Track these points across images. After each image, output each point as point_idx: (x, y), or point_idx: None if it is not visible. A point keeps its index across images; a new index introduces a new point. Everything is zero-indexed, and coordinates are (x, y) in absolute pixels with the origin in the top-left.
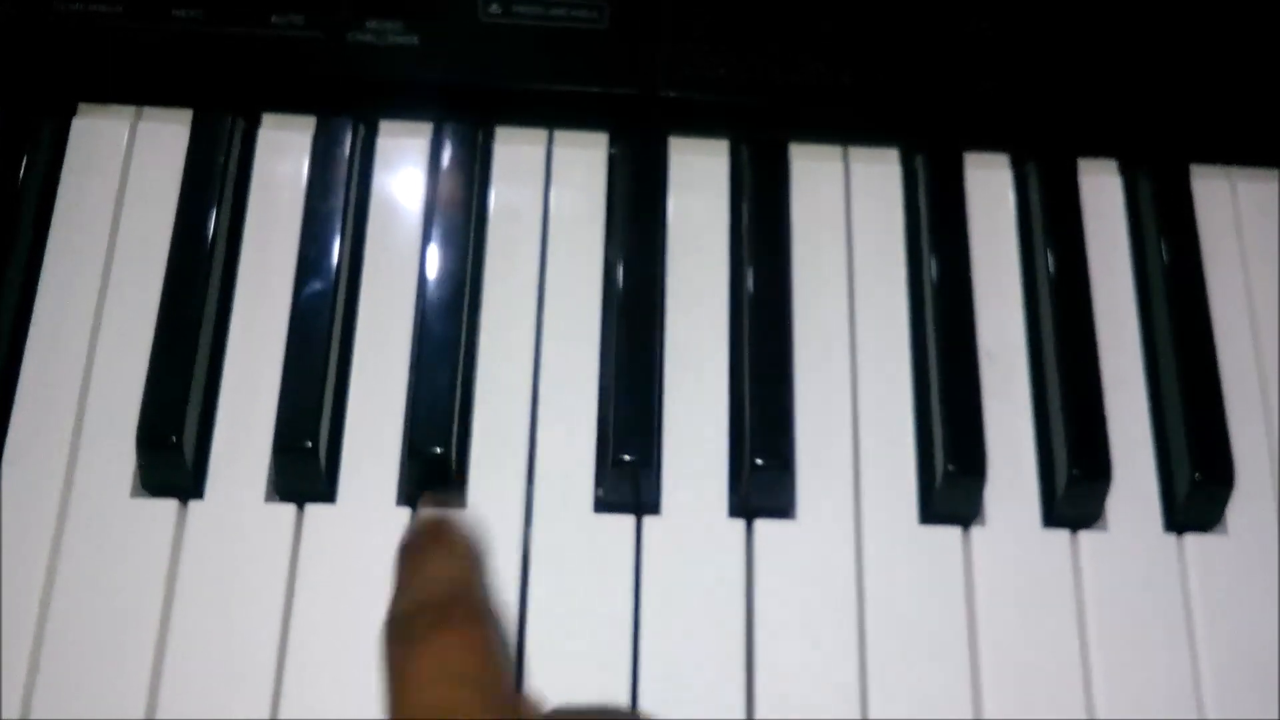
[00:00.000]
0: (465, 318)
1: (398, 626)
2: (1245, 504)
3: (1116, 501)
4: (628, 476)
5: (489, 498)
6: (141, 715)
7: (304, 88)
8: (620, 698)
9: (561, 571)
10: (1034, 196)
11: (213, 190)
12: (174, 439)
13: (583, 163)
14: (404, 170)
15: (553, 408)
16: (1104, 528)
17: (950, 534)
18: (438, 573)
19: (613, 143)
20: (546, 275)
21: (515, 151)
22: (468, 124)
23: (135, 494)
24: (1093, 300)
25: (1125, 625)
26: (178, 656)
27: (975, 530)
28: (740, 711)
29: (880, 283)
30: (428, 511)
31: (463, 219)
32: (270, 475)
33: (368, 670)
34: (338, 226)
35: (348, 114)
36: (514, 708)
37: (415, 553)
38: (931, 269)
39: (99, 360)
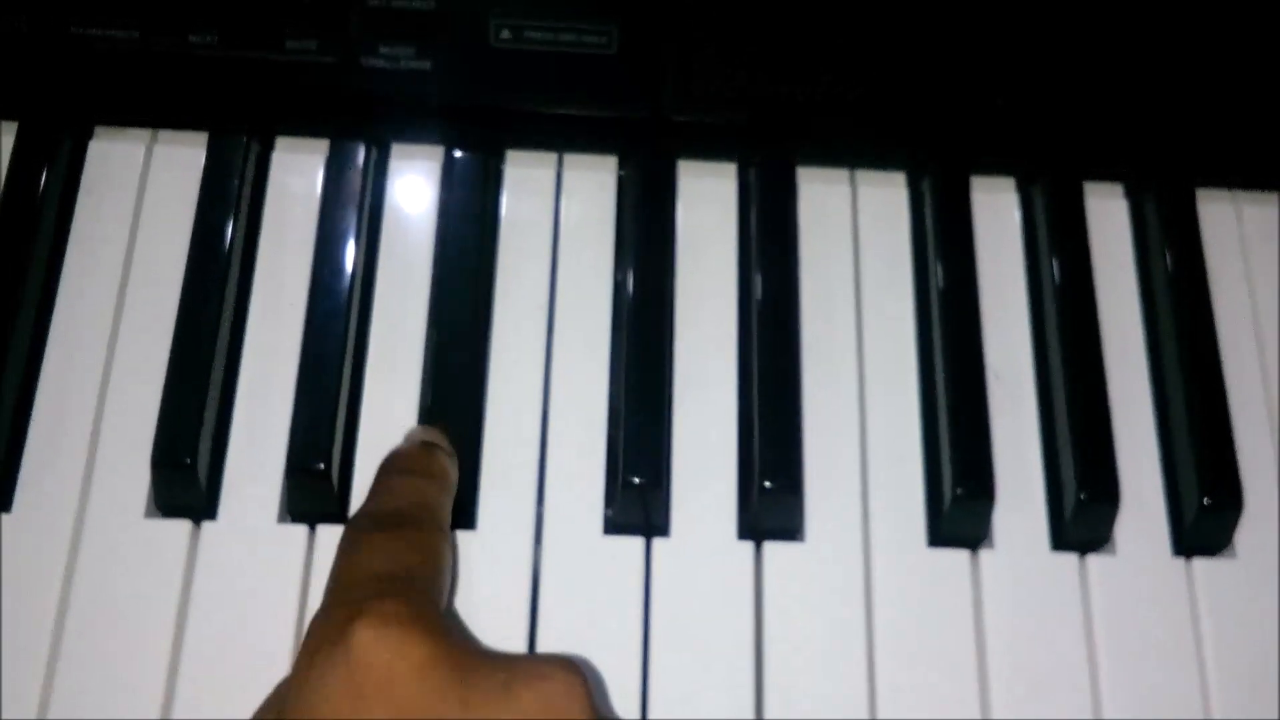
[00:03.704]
0: (477, 340)
1: (354, 524)
2: (1254, 527)
3: (1125, 524)
4: (637, 499)
5: (499, 518)
6: None
7: (318, 111)
8: (630, 718)
9: (571, 593)
10: (1040, 219)
11: (227, 212)
12: (188, 460)
13: (592, 185)
14: (416, 193)
15: (562, 429)
16: (1112, 551)
17: (958, 557)
18: (405, 488)
19: (622, 165)
20: (556, 297)
21: (525, 174)
22: (479, 147)
23: (149, 514)
24: (1099, 323)
25: (1134, 649)
26: (191, 676)
27: (983, 553)
28: None
29: (887, 304)
30: (416, 432)
31: (474, 241)
32: (283, 496)
33: None
34: (350, 249)
35: (360, 137)
36: (439, 611)
37: (391, 469)
38: (938, 290)
39: (114, 381)
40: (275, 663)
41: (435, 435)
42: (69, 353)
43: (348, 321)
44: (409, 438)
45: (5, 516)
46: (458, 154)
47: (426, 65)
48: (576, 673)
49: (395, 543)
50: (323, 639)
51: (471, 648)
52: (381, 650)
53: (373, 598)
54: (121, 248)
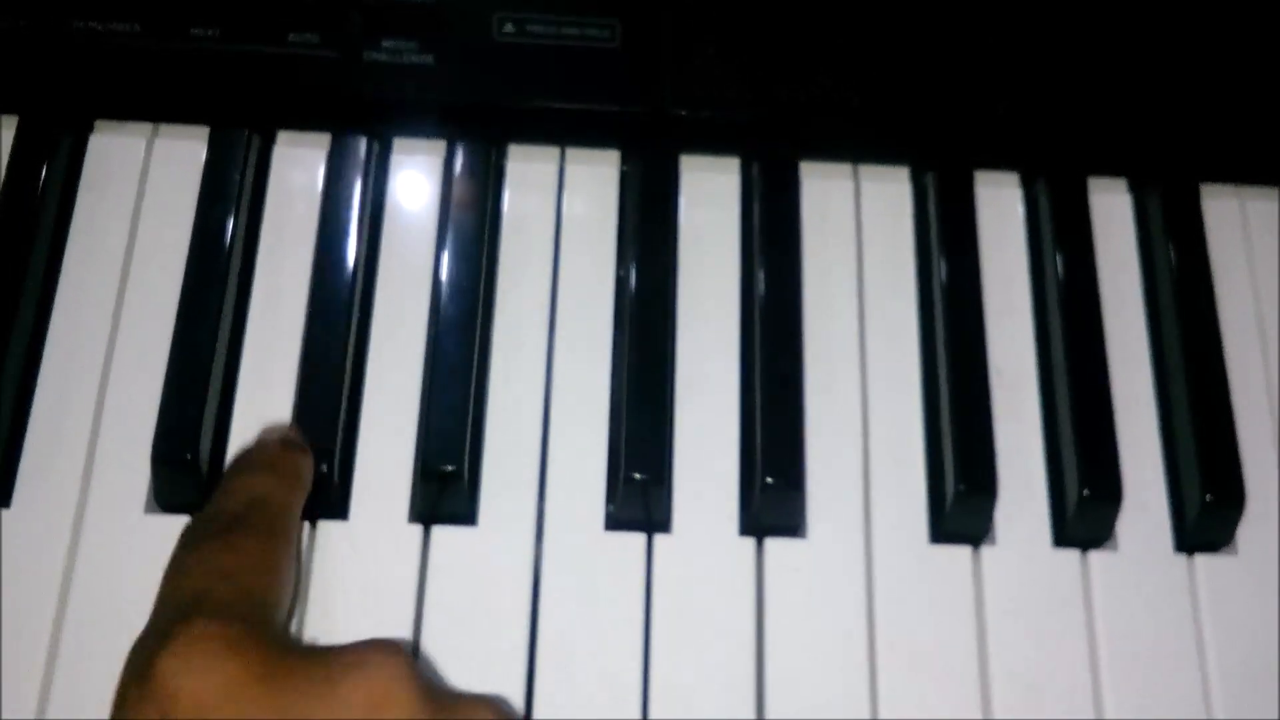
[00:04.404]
0: (478, 335)
1: (188, 530)
2: (1256, 524)
3: (1127, 521)
4: (639, 494)
5: (501, 514)
6: None
7: (319, 106)
8: (631, 715)
9: (572, 589)
10: (1044, 215)
11: (229, 207)
12: (189, 456)
13: (595, 180)
14: (418, 188)
15: (564, 425)
16: (1114, 548)
17: (960, 553)
18: (246, 487)
19: (624, 160)
20: (558, 292)
21: (528, 169)
22: (481, 142)
23: (149, 511)
24: (1102, 319)
25: (1136, 646)
26: None
27: (985, 549)
28: None
29: (890, 300)
30: (271, 429)
31: (476, 236)
32: None
33: None
34: (352, 244)
35: (362, 132)
36: (268, 619)
37: (236, 467)
38: (942, 286)
39: (114, 376)
40: None
41: (291, 433)
42: (69, 348)
43: (349, 317)
44: (262, 434)
45: (4, 512)
46: (460, 148)
47: (429, 60)
48: (397, 654)
49: (223, 550)
50: (131, 673)
51: (289, 653)
52: (187, 677)
53: (181, 621)
54: (122, 242)
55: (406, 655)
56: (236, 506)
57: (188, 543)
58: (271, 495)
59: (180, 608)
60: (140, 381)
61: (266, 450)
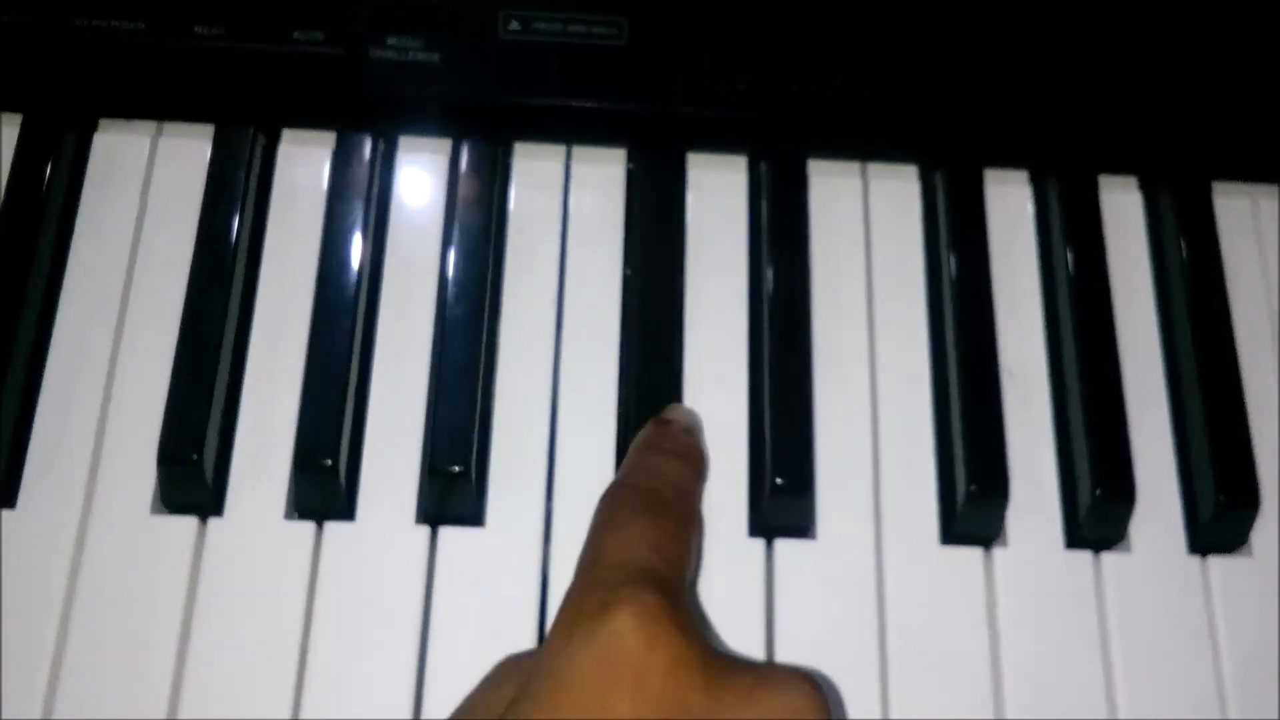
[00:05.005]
0: (484, 334)
1: (616, 497)
2: (1269, 525)
3: (1140, 522)
4: None
5: (508, 515)
6: None
7: (324, 104)
8: None
9: None
10: (1054, 213)
11: (234, 206)
12: (195, 457)
13: (601, 179)
14: (423, 186)
15: (571, 425)
16: (1127, 549)
17: (972, 555)
18: (671, 472)
19: (631, 158)
20: (565, 290)
21: (534, 167)
22: (487, 140)
23: (155, 511)
24: (1114, 318)
25: (1149, 648)
26: (197, 674)
27: (997, 551)
28: None
29: (900, 299)
30: (680, 413)
31: (482, 235)
32: (290, 493)
33: (386, 687)
34: (358, 242)
35: (368, 130)
36: (691, 608)
37: (655, 446)
38: (951, 286)
39: (119, 376)
40: (281, 660)
41: (695, 420)
42: (74, 348)
43: (355, 316)
44: (671, 416)
45: (10, 513)
46: (466, 146)
47: (435, 57)
48: (815, 685)
49: (657, 530)
50: (581, 614)
51: (717, 650)
52: (638, 642)
53: (633, 585)
54: (127, 241)
55: (823, 692)
56: (665, 490)
57: (621, 508)
58: (690, 484)
59: (628, 571)
60: (146, 381)
61: (680, 436)
